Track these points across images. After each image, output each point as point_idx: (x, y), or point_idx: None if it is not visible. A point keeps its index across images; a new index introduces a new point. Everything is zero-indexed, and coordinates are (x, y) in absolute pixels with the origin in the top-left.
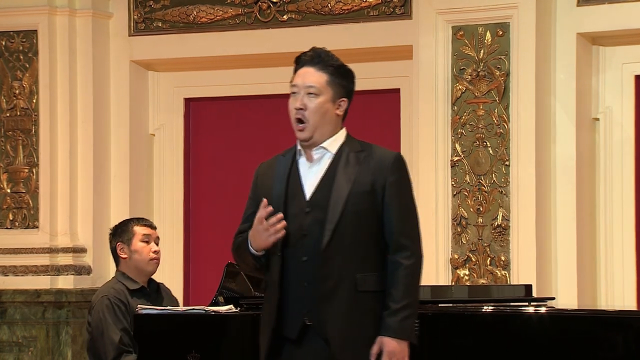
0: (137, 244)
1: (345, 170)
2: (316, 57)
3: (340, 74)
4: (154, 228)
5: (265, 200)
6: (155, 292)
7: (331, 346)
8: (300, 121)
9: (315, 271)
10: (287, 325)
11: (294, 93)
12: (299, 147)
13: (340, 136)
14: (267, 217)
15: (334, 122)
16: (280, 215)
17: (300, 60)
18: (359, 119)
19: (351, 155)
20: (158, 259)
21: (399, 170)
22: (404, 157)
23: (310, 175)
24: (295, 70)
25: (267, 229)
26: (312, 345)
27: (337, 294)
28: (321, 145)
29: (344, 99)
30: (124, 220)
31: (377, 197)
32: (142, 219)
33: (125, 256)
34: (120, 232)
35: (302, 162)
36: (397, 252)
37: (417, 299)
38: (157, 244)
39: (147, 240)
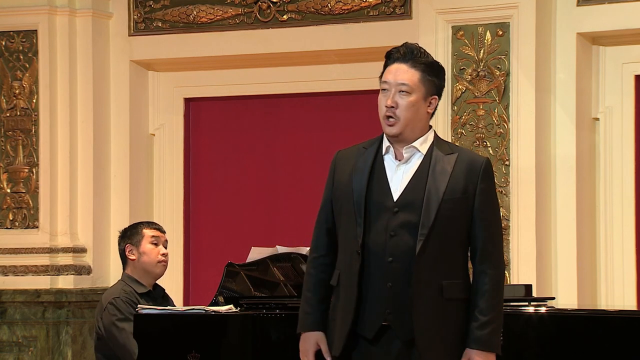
0: (145, 245)
1: (437, 173)
2: (409, 53)
3: (432, 71)
4: (163, 232)
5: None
6: (161, 297)
7: (417, 349)
8: (390, 118)
9: (403, 273)
10: (364, 324)
11: (384, 90)
12: (387, 143)
13: (430, 136)
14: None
15: (425, 120)
16: None
17: (392, 56)
18: (359, 119)
19: (442, 158)
20: (166, 262)
21: (489, 177)
22: (491, 162)
23: (399, 174)
24: (386, 66)
25: None
26: (390, 347)
27: (423, 298)
28: (412, 144)
29: (435, 96)
30: (133, 224)
31: (469, 203)
32: (152, 222)
33: (134, 257)
34: (130, 235)
35: (389, 159)
36: (483, 262)
37: (502, 310)
38: (165, 247)
39: (155, 242)
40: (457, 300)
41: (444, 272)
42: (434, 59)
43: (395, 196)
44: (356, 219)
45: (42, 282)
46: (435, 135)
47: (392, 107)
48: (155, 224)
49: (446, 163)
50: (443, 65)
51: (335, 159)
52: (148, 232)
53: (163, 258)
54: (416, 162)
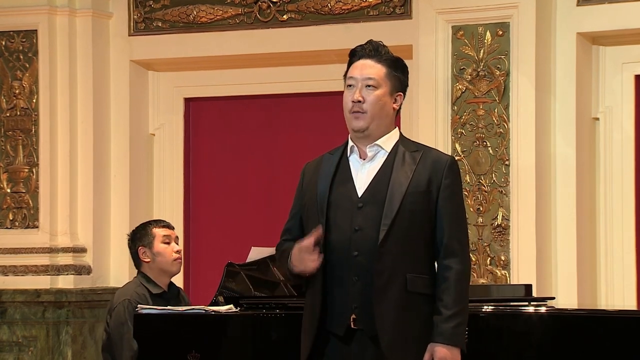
0: (158, 245)
1: (401, 169)
2: (374, 50)
3: (397, 67)
4: (172, 228)
5: (319, 229)
6: (175, 297)
7: (380, 343)
8: (357, 113)
9: (368, 266)
10: (333, 320)
11: (350, 86)
12: (351, 143)
13: (395, 135)
14: (316, 241)
15: (390, 117)
16: (318, 253)
17: (357, 53)
18: None
19: (406, 154)
20: (181, 258)
21: (455, 174)
22: (456, 161)
23: (364, 172)
24: (351, 63)
25: (303, 260)
26: (359, 341)
27: (388, 291)
28: (375, 142)
29: (400, 93)
30: (141, 224)
31: (432, 198)
32: (160, 220)
33: (149, 260)
34: (140, 236)
35: (354, 158)
36: (447, 257)
37: (468, 305)
38: (177, 244)
39: (167, 241)
40: (421, 295)
41: (408, 265)
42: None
43: (360, 192)
44: (319, 219)
45: (42, 282)
46: (401, 134)
47: (359, 101)
48: (164, 221)
49: (410, 159)
50: (443, 65)
51: (303, 171)
52: (159, 232)
53: (177, 255)
54: (381, 159)
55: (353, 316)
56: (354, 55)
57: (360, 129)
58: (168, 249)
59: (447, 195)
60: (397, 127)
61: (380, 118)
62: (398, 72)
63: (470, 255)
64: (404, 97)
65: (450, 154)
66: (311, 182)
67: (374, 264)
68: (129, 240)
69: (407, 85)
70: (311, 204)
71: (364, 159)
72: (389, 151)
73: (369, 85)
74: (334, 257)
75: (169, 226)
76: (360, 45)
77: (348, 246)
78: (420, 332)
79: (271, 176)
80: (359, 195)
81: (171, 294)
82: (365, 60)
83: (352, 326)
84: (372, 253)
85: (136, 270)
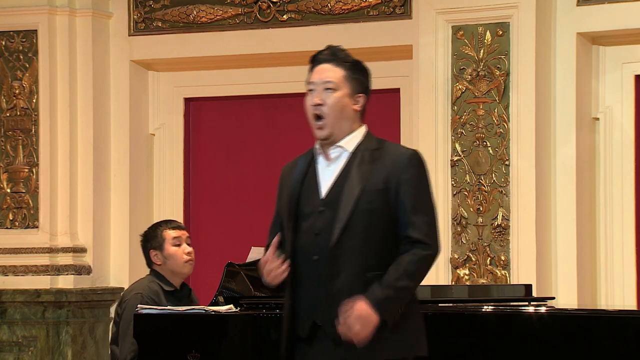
0: (169, 248)
1: (359, 169)
2: (332, 54)
3: (357, 70)
4: (183, 228)
5: (277, 239)
6: (187, 297)
7: (339, 346)
8: (318, 117)
9: (325, 270)
10: (300, 324)
11: (311, 90)
12: (317, 145)
13: (359, 134)
14: (278, 246)
15: (352, 118)
16: (281, 262)
17: (317, 59)
18: None
19: (366, 154)
20: (192, 259)
21: (414, 167)
22: (421, 155)
23: (327, 174)
24: (311, 69)
25: (269, 272)
26: (322, 345)
27: (345, 293)
28: (338, 144)
29: (361, 94)
30: (152, 226)
31: (391, 195)
32: (170, 221)
33: (160, 262)
34: (151, 239)
35: (321, 160)
36: (407, 246)
37: (412, 290)
38: (188, 244)
39: (178, 243)
40: None
41: (368, 264)
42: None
43: (322, 195)
44: (288, 224)
45: (42, 282)
46: (367, 133)
47: (320, 104)
48: (174, 222)
49: (370, 158)
50: (443, 65)
51: (281, 174)
52: (169, 234)
53: (188, 257)
54: (343, 160)
55: (316, 320)
56: (314, 61)
57: (324, 138)
58: (179, 251)
59: (406, 189)
60: (364, 126)
61: (342, 120)
62: (357, 74)
63: (439, 245)
64: (367, 98)
65: (413, 148)
66: (285, 187)
67: (329, 268)
68: (141, 241)
69: (368, 87)
70: (284, 208)
71: (329, 161)
72: (351, 151)
73: (328, 88)
74: (300, 262)
75: (179, 227)
76: (320, 51)
77: (310, 250)
78: (385, 329)
79: (271, 176)
80: (321, 199)
81: (183, 293)
82: (323, 65)
83: (316, 330)
84: (328, 256)
85: (135, 269)
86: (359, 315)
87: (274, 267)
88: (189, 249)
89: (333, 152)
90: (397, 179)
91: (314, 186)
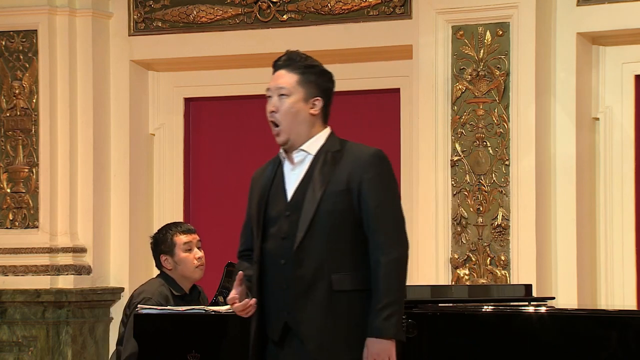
0: (180, 254)
1: (321, 171)
2: (288, 60)
3: (312, 73)
4: (194, 232)
5: (239, 275)
6: (196, 300)
7: (308, 348)
8: (274, 124)
9: (292, 273)
10: (270, 327)
11: (268, 97)
12: (282, 151)
13: (322, 137)
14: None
15: (309, 122)
16: (246, 303)
17: (275, 65)
18: (359, 119)
19: (329, 155)
20: (203, 264)
21: (376, 166)
22: (383, 153)
23: (293, 178)
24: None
25: (238, 311)
26: (293, 347)
27: (312, 295)
28: (301, 147)
29: (318, 98)
30: (162, 229)
31: (354, 195)
32: (180, 224)
33: (170, 267)
34: (161, 243)
35: (286, 165)
36: (375, 250)
37: (402, 295)
38: (199, 248)
39: (189, 248)
40: (351, 292)
41: (333, 265)
42: (319, 63)
43: (288, 199)
44: (256, 230)
45: (42, 282)
46: (331, 135)
47: (274, 111)
48: (184, 225)
49: (332, 159)
50: (443, 65)
51: (252, 180)
52: (180, 239)
53: (199, 263)
54: (307, 164)
55: (285, 322)
56: (274, 67)
57: (282, 143)
58: (190, 256)
59: (368, 188)
60: (327, 128)
61: (297, 125)
62: (312, 78)
63: (407, 241)
64: (327, 100)
65: (376, 147)
66: (255, 191)
67: (295, 271)
68: (151, 244)
69: (327, 89)
70: (253, 214)
71: (293, 165)
72: (314, 154)
73: (282, 94)
74: (268, 267)
75: (190, 231)
76: (278, 57)
77: (278, 254)
78: (352, 329)
79: None
80: (287, 203)
81: (193, 297)
82: (280, 71)
83: (285, 332)
84: (294, 260)
85: (135, 269)
86: (376, 354)
87: (239, 308)
88: (200, 253)
89: (297, 156)
90: (359, 179)
91: (281, 191)
